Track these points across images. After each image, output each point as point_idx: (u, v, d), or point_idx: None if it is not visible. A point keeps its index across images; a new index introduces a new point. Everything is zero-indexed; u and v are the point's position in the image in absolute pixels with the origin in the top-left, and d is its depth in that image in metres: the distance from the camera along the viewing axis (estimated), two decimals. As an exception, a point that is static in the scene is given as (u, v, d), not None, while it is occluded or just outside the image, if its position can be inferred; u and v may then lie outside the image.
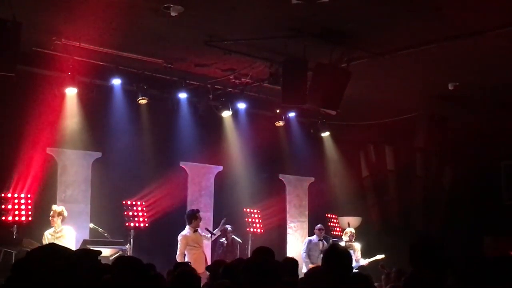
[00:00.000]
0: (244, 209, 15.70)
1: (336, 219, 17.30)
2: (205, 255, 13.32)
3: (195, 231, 13.16)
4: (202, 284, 6.92)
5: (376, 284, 10.38)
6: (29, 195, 12.62)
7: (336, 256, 5.28)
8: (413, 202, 18.77)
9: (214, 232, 13.74)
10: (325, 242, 15.05)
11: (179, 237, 13.05)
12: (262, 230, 15.77)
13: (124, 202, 13.72)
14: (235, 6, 10.64)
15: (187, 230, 13.15)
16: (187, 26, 11.36)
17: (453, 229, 16.38)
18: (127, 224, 13.49)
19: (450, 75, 14.01)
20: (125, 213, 13.61)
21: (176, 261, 12.38)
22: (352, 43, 11.99)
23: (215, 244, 14.33)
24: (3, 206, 12.32)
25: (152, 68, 13.61)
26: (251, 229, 15.49)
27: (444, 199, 18.63)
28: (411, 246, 5.51)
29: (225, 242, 14.16)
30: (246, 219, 15.56)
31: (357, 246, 15.44)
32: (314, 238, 15.36)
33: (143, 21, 11.25)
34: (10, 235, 12.12)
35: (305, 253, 15.11)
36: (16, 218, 12.30)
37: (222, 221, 14.00)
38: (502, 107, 15.46)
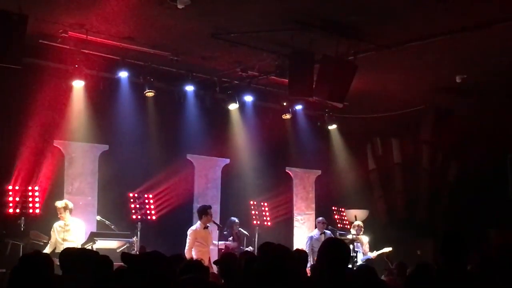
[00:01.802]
0: (251, 202, 15.71)
1: (343, 212, 17.28)
2: (210, 255, 13.23)
3: (206, 227, 13.12)
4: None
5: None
6: (36, 188, 12.64)
7: (332, 250, 5.21)
8: (419, 195, 18.74)
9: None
10: (328, 234, 14.96)
11: (189, 231, 13.05)
12: (269, 223, 15.78)
13: (131, 194, 13.73)
14: (241, -2, 10.67)
15: (197, 225, 13.16)
16: (194, 18, 11.35)
17: (458, 222, 16.34)
18: (134, 216, 13.49)
19: (458, 68, 13.97)
20: (132, 205, 13.61)
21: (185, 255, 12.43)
22: (358, 36, 11.97)
23: (220, 237, 14.29)
24: (10, 199, 12.36)
25: (159, 61, 13.61)
26: (258, 222, 15.49)
27: (450, 192, 18.60)
28: (444, 237, 5.53)
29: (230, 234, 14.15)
30: (253, 212, 15.57)
31: (365, 239, 15.42)
32: (315, 233, 15.32)
33: (150, 14, 11.24)
34: (17, 227, 12.16)
35: (308, 250, 14.95)
36: (24, 211, 12.34)
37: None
38: (509, 100, 15.41)
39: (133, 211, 13.53)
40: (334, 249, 5.17)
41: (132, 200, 13.63)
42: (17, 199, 12.36)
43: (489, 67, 13.61)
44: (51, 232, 11.91)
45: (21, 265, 4.87)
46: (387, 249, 15.06)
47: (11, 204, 12.33)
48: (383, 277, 10.48)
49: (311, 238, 15.26)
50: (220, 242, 13.60)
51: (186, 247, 12.84)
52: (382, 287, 6.22)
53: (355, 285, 5.66)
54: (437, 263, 6.10)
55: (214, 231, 13.59)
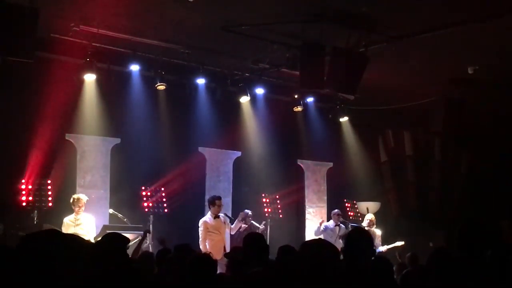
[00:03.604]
0: (263, 195, 15.72)
1: (355, 204, 17.27)
2: (224, 243, 13.26)
3: (216, 217, 13.13)
4: (219, 271, 6.91)
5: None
6: (49, 181, 12.72)
7: (358, 240, 5.22)
8: (431, 187, 18.70)
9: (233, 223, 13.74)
10: (342, 227, 14.97)
11: (200, 222, 13.09)
12: (280, 215, 15.79)
13: (143, 187, 13.79)
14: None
15: (207, 216, 13.19)
16: (205, 11, 11.36)
17: (470, 213, 16.29)
18: (146, 209, 13.56)
19: (470, 59, 13.90)
20: (144, 198, 13.68)
21: (199, 246, 12.48)
22: (369, 27, 11.93)
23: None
24: (23, 192, 12.42)
25: (170, 54, 13.62)
26: (270, 215, 15.51)
27: (462, 183, 18.55)
28: (460, 229, 5.49)
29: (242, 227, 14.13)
30: (265, 205, 15.58)
31: (378, 232, 15.36)
32: (330, 223, 15.29)
33: (160, 7, 11.25)
34: (30, 220, 12.25)
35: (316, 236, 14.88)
36: (36, 204, 12.41)
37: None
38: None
39: (145, 204, 13.60)
40: (360, 241, 5.18)
41: (144, 193, 13.70)
42: (30, 192, 12.43)
43: (501, 58, 13.53)
44: (62, 227, 11.91)
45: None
46: (399, 243, 14.97)
47: (24, 198, 12.41)
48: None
49: (326, 227, 15.21)
50: (232, 226, 13.63)
51: (200, 239, 12.89)
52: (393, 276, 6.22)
53: (372, 276, 5.66)
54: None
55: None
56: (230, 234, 13.70)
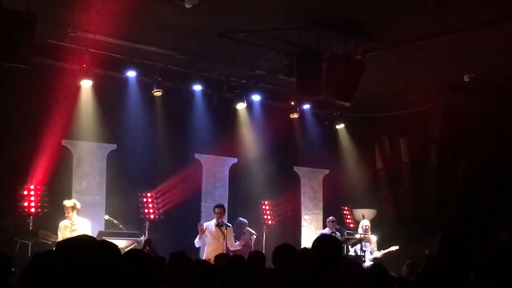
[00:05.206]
0: (259, 201, 15.71)
1: (351, 211, 17.26)
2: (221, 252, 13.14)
3: (217, 225, 12.97)
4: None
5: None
6: (44, 187, 12.69)
7: (325, 246, 5.18)
8: (428, 194, 18.69)
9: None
10: (338, 234, 14.96)
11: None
12: (276, 222, 15.77)
13: (139, 194, 13.78)
14: (249, -3, 10.67)
15: (211, 222, 12.98)
16: (202, 18, 11.35)
17: (467, 220, 16.29)
18: (142, 215, 13.54)
19: (466, 67, 13.93)
20: (140, 204, 13.67)
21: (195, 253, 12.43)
22: (366, 34, 11.95)
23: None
24: (19, 198, 12.39)
25: (167, 60, 13.62)
26: (266, 221, 15.49)
27: (459, 190, 18.53)
28: (442, 237, 5.46)
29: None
30: (261, 211, 15.56)
31: (373, 238, 15.39)
32: (327, 231, 15.30)
33: (158, 13, 11.26)
34: (26, 226, 12.22)
35: None
36: (32, 210, 12.39)
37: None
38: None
39: (141, 210, 13.59)
40: (328, 246, 5.16)
41: (140, 199, 13.68)
42: (26, 198, 12.40)
43: (497, 65, 13.56)
44: (58, 232, 11.90)
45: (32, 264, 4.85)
46: (394, 248, 15.05)
47: (19, 203, 12.38)
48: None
49: None
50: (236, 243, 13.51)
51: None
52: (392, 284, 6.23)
53: (368, 282, 5.67)
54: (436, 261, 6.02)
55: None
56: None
